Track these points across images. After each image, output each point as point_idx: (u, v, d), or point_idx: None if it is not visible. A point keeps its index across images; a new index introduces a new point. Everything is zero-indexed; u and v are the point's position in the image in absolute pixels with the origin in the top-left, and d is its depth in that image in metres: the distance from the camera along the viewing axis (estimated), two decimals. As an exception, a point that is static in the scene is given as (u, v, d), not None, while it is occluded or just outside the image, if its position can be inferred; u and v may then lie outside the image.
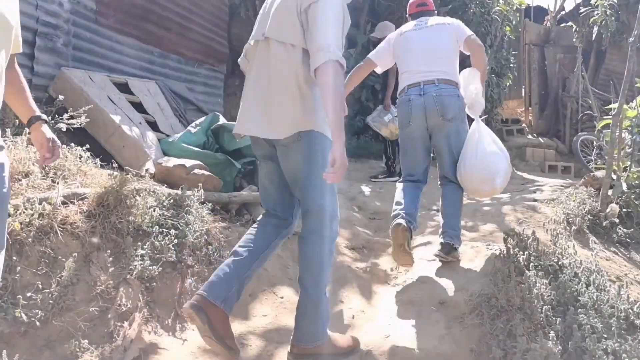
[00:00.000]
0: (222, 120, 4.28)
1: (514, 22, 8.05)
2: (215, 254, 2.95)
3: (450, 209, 3.25)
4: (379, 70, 3.73)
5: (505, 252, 2.91)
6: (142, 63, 4.89)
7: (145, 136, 3.79)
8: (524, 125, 9.64)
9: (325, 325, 2.22)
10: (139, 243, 2.62)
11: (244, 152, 4.31)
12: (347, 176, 6.14)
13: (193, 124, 4.26)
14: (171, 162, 3.59)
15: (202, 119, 4.29)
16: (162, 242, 2.66)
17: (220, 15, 6.03)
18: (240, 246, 2.31)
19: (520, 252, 2.81)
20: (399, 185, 3.40)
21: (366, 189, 5.33)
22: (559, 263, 2.76)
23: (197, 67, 5.66)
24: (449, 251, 3.07)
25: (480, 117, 3.22)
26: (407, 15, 3.69)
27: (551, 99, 9.85)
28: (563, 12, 10.91)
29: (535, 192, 4.96)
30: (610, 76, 9.93)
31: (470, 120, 3.22)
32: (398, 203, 3.24)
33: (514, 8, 8.29)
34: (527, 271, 2.64)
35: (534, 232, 2.96)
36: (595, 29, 9.52)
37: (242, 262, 2.23)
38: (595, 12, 9.36)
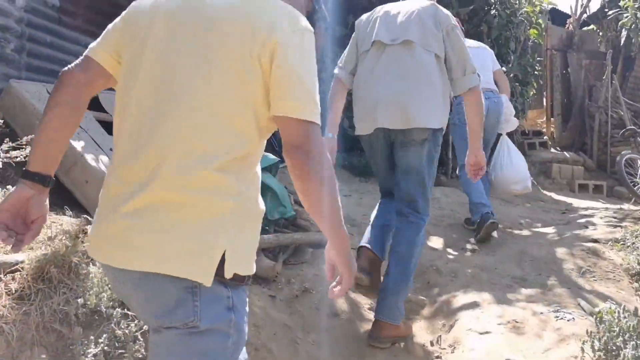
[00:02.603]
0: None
1: (543, 24, 7.37)
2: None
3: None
4: None
5: (594, 341, 2.16)
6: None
7: (116, 166, 3.05)
8: (546, 137, 8.94)
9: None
10: (93, 334, 1.89)
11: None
12: (356, 202, 5.42)
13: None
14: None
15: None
16: (127, 330, 1.93)
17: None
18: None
19: (621, 342, 2.08)
20: None
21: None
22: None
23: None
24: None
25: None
26: None
27: (575, 109, 9.15)
28: (585, 15, 10.24)
29: (587, 227, 4.25)
30: (640, 85, 9.28)
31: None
32: None
33: (538, 9, 7.61)
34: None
35: (636, 310, 2.22)
36: (624, 33, 8.85)
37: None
38: (625, 15, 8.67)
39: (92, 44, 1.28)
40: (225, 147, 1.12)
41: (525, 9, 6.91)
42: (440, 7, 2.64)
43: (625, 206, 5.69)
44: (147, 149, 1.11)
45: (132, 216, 1.10)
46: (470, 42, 3.78)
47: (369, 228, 3.02)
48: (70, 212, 2.59)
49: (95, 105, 3.57)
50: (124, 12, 1.27)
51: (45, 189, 1.23)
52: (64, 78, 1.25)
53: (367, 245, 2.89)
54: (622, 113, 8.17)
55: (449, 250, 3.89)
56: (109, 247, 1.14)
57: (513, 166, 4.32)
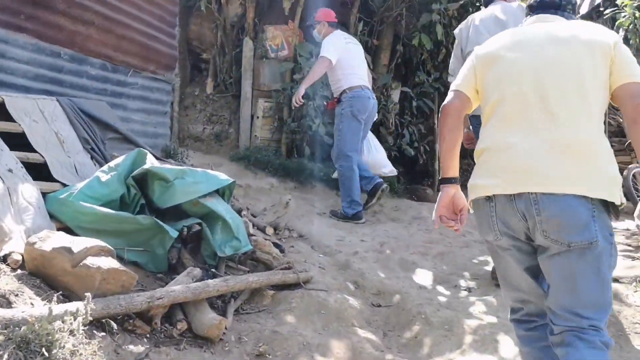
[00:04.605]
0: (150, 160, 2.89)
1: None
2: None
3: None
4: None
5: None
6: (42, 71, 3.48)
7: (15, 192, 2.38)
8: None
9: None
10: None
11: (184, 209, 2.93)
12: (332, 222, 4.79)
13: (105, 167, 2.87)
14: (50, 241, 2.19)
15: (119, 159, 2.90)
16: None
17: (167, 6, 4.63)
18: None
19: None
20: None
21: (363, 246, 3.97)
22: None
23: (132, 75, 4.25)
24: None
25: None
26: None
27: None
28: (578, 16, 9.75)
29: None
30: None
31: None
32: None
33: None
34: None
35: None
36: (622, 33, 8.34)
37: None
38: (622, 15, 8.16)
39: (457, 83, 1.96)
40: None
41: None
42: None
43: (632, 225, 5.14)
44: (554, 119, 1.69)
45: (552, 155, 1.65)
46: None
47: None
48: None
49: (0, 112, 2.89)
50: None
51: (458, 186, 1.88)
52: (446, 110, 1.91)
53: None
54: (621, 120, 7.67)
55: (440, 289, 3.28)
56: (530, 178, 1.65)
57: (379, 152, 5.08)
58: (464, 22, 3.70)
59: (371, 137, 5.27)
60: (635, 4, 8.13)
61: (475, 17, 3.57)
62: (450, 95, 1.92)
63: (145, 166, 2.80)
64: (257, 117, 5.97)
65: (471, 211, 1.87)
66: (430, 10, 5.84)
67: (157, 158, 3.66)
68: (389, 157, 5.91)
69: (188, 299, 2.40)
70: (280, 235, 3.92)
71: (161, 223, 2.72)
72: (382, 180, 4.73)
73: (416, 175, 6.46)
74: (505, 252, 1.80)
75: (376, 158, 5.12)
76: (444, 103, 1.93)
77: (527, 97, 1.73)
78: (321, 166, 5.70)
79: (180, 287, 2.38)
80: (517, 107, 1.75)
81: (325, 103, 5.66)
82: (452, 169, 1.88)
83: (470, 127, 3.30)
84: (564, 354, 1.65)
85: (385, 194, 4.87)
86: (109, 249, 2.27)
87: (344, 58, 4.69)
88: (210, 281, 2.54)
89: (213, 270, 2.77)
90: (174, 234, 2.73)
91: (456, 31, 3.76)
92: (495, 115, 1.80)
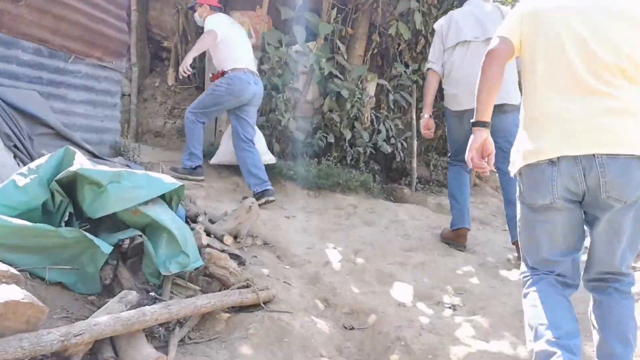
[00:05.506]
0: (80, 161, 2.42)
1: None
2: None
3: None
4: None
5: None
6: (-41, 55, 2.97)
7: None
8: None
9: None
10: None
11: (121, 219, 2.48)
12: (301, 226, 4.37)
13: (24, 169, 2.39)
14: None
15: (41, 160, 2.43)
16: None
17: (116, -15, 4.13)
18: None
19: None
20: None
21: (335, 256, 3.56)
22: None
23: (73, 62, 3.75)
24: None
25: None
26: None
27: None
28: None
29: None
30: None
31: None
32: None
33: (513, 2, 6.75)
34: None
35: None
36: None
37: None
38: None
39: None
40: None
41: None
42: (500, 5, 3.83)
43: None
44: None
45: (611, 118, 1.77)
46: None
47: None
48: None
49: None
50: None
51: (489, 130, 2.03)
52: (494, 53, 1.98)
53: None
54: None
55: (422, 307, 2.90)
56: (593, 139, 1.77)
57: (260, 140, 4.95)
58: (444, 18, 3.91)
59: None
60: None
61: (454, 14, 3.85)
62: (495, 40, 1.99)
63: (72, 168, 2.33)
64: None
65: (516, 176, 2.01)
66: (408, -3, 5.46)
67: (96, 157, 3.20)
68: (364, 153, 5.54)
69: (118, 332, 1.97)
70: (241, 244, 3.49)
71: (90, 236, 2.27)
72: (272, 189, 4.56)
73: (393, 173, 6.09)
74: (556, 214, 1.90)
75: (257, 146, 4.94)
76: (489, 47, 2.00)
77: (580, 65, 1.84)
78: (291, 164, 5.28)
79: (107, 319, 1.94)
80: (570, 73, 1.85)
81: (293, 95, 5.28)
82: (487, 113, 2.01)
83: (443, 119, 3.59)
84: (601, 301, 1.93)
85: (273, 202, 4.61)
86: (12, 274, 1.82)
87: (229, 38, 4.55)
88: (147, 308, 2.10)
89: (153, 294, 2.33)
90: (107, 249, 2.29)
91: (436, 26, 3.94)
92: (548, 80, 1.90)
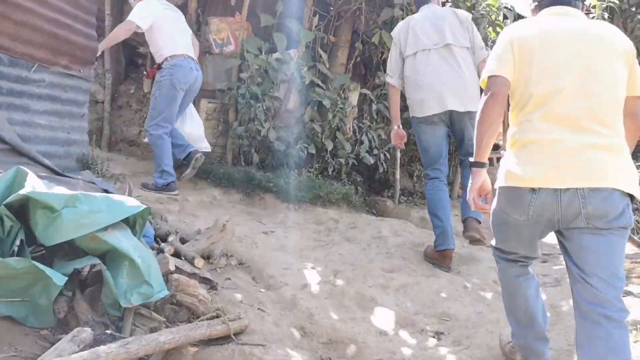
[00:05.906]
0: (31, 182, 2.22)
1: (509, 21, 6.42)
2: None
3: None
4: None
5: None
6: None
7: None
8: (503, 152, 8.02)
9: None
10: None
11: (79, 245, 2.28)
12: (279, 243, 4.19)
13: (-30, 192, 2.18)
14: None
15: (-10, 181, 2.22)
16: None
17: (86, -11, 3.92)
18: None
19: None
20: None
21: (314, 277, 3.38)
22: None
23: (37, 70, 3.53)
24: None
25: None
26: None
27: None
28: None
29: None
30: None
31: None
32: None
33: (497, 5, 6.66)
34: None
35: None
36: (588, 35, 8.05)
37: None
38: (591, 16, 7.89)
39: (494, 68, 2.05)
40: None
41: (487, 2, 5.92)
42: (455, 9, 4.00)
43: None
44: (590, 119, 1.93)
45: (596, 154, 1.87)
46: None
47: None
48: None
49: None
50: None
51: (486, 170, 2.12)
52: (497, 97, 2.01)
53: None
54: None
55: (404, 335, 2.74)
56: (578, 174, 1.87)
57: (198, 126, 4.88)
58: (401, 25, 3.89)
59: (192, 110, 4.98)
60: (603, 5, 7.88)
61: (410, 22, 3.83)
62: (496, 81, 2.02)
63: (23, 191, 2.13)
64: (200, 120, 5.33)
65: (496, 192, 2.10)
66: (392, 5, 5.29)
67: (57, 173, 2.99)
68: (346, 165, 5.38)
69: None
70: (215, 264, 3.28)
71: (42, 267, 2.06)
72: (196, 148, 4.52)
73: (376, 184, 5.94)
74: (525, 226, 2.01)
75: (192, 131, 4.82)
76: (494, 89, 2.01)
77: (573, 97, 1.93)
78: (271, 175, 5.10)
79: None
80: (564, 104, 1.93)
81: (273, 104, 5.12)
82: (487, 154, 2.09)
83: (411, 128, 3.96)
84: (592, 330, 1.90)
85: (200, 165, 4.58)
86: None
87: (163, 25, 4.41)
88: (102, 349, 1.90)
89: (109, 331, 2.12)
90: (61, 280, 2.08)
91: (394, 34, 3.90)
92: (541, 109, 1.96)
